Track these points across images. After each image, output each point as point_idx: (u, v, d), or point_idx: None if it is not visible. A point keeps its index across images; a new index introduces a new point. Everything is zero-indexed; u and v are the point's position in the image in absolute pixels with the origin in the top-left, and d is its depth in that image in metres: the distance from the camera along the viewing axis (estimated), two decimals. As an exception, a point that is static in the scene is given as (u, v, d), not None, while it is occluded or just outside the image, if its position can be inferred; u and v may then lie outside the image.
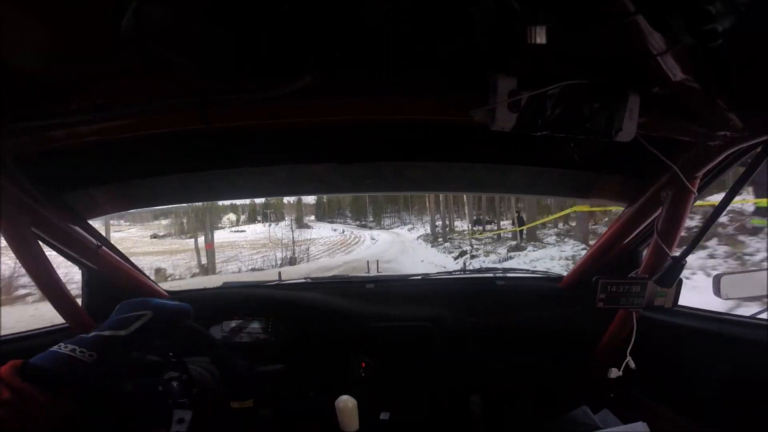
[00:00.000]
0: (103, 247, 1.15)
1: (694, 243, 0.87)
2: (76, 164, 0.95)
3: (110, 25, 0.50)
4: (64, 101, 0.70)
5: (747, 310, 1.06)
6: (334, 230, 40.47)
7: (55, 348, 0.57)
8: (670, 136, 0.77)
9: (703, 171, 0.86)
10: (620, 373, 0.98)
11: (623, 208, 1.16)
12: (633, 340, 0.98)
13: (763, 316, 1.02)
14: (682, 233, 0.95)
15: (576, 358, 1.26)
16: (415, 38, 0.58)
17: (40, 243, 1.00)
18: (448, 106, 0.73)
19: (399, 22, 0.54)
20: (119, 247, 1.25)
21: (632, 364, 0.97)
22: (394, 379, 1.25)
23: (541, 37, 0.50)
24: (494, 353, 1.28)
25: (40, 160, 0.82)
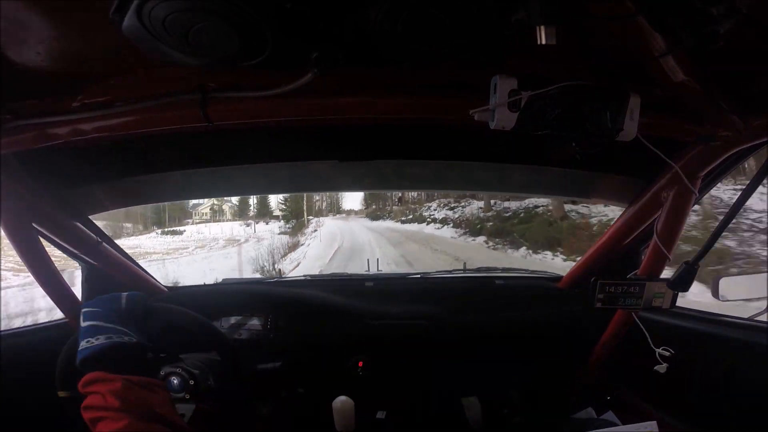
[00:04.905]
0: (103, 243, 1.15)
1: (707, 247, 0.85)
2: (78, 160, 0.96)
3: (112, 22, 0.50)
4: (66, 99, 0.70)
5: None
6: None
7: (92, 341, 0.64)
8: (672, 136, 0.77)
9: (704, 172, 0.86)
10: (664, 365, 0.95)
11: (623, 209, 1.16)
12: (647, 336, 0.98)
13: (762, 318, 1.02)
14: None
15: (575, 359, 1.26)
16: (417, 38, 0.58)
17: (41, 239, 1.01)
18: (448, 105, 0.73)
19: (401, 22, 0.54)
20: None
21: (667, 353, 0.95)
22: (392, 378, 1.26)
23: (551, 38, 0.50)
24: (492, 353, 1.28)
25: (42, 155, 0.82)
